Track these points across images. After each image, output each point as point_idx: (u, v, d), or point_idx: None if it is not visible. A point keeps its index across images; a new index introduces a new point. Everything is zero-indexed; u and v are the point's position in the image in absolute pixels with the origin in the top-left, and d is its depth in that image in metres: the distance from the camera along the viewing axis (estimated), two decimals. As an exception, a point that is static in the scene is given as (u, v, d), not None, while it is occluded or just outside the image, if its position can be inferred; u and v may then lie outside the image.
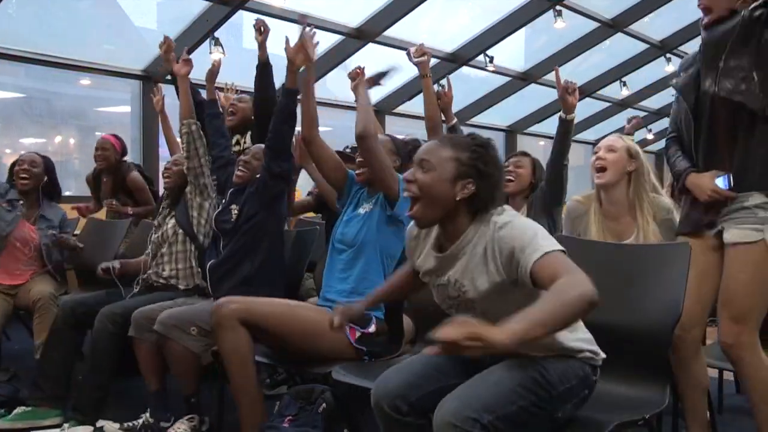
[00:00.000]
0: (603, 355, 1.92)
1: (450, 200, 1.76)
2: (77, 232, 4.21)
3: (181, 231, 3.19)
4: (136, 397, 3.30)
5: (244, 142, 3.95)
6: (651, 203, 2.70)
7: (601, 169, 2.70)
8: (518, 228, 1.71)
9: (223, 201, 3.14)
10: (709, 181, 2.27)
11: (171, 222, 3.24)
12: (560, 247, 1.66)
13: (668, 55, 8.77)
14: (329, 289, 2.66)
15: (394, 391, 1.82)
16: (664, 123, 11.96)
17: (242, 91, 4.25)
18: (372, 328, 2.55)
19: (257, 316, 2.42)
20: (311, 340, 2.47)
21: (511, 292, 1.73)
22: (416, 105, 8.24)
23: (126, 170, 4.47)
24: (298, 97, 2.80)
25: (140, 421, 2.85)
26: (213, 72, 3.58)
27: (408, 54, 3.44)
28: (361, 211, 2.67)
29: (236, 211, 2.98)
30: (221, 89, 4.18)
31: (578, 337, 1.87)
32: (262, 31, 3.63)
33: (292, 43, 2.78)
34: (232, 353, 2.42)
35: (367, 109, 2.62)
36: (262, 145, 3.04)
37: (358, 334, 2.52)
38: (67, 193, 5.76)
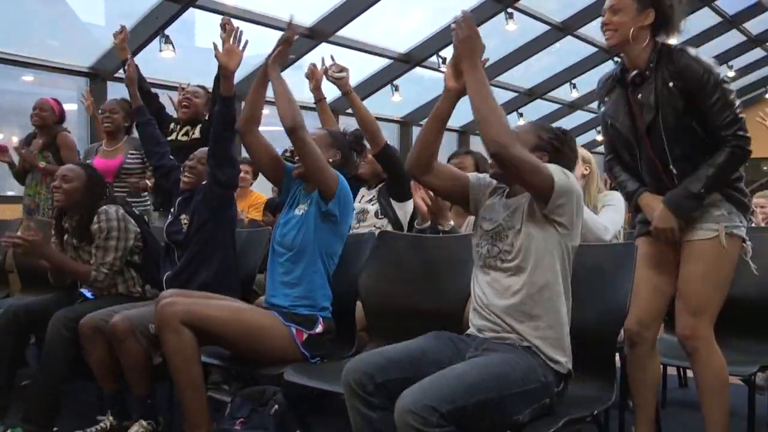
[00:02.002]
0: (570, 366, 1.98)
1: None
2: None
3: None
4: (84, 402, 3.22)
5: (193, 134, 3.91)
6: (594, 202, 3.00)
7: None
8: None
9: (172, 210, 3.06)
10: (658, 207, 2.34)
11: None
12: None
13: (616, 59, 8.98)
14: (273, 294, 2.63)
15: (363, 369, 1.88)
16: (613, 125, 12.24)
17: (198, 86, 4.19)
18: (319, 329, 2.54)
19: (200, 319, 2.38)
20: (257, 344, 2.44)
21: (535, 233, 1.97)
22: (369, 105, 8.25)
23: (59, 131, 4.38)
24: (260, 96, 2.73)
25: (104, 424, 2.77)
26: (130, 77, 3.41)
27: (324, 73, 3.43)
28: (298, 212, 2.63)
29: (186, 221, 2.92)
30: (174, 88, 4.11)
31: (553, 341, 1.95)
32: (227, 29, 3.56)
33: (221, 48, 2.72)
34: (175, 354, 2.37)
35: (289, 96, 2.53)
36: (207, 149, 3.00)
37: (305, 336, 2.50)
38: (9, 193, 5.60)
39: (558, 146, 2.07)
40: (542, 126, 2.13)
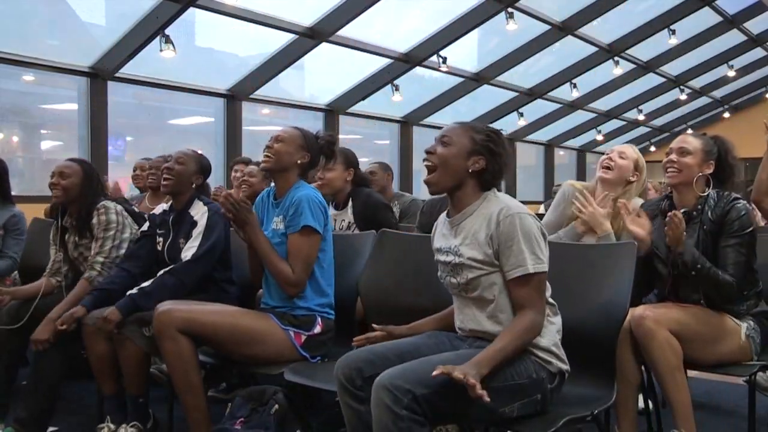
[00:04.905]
0: (564, 366, 1.98)
1: (463, 171, 2.00)
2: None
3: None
4: (84, 403, 3.22)
5: None
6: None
7: (608, 168, 2.95)
8: (522, 229, 1.91)
9: (162, 231, 2.97)
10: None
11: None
12: (544, 268, 1.92)
13: (616, 58, 8.99)
14: (270, 296, 2.64)
15: (353, 364, 1.90)
16: (613, 124, 12.25)
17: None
18: (317, 329, 2.54)
19: (198, 326, 2.39)
20: (256, 347, 2.45)
21: (490, 269, 1.95)
22: (369, 105, 8.26)
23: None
24: None
25: (103, 430, 2.76)
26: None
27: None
28: (274, 226, 2.61)
29: (184, 245, 2.87)
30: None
31: (541, 340, 1.94)
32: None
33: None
34: (174, 361, 2.39)
35: (268, 250, 2.53)
36: (186, 150, 2.97)
37: (303, 338, 2.51)
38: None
39: (493, 148, 2.00)
40: (472, 127, 2.04)
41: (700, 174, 2.56)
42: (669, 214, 2.45)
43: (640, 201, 2.96)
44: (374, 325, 2.17)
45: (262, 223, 2.68)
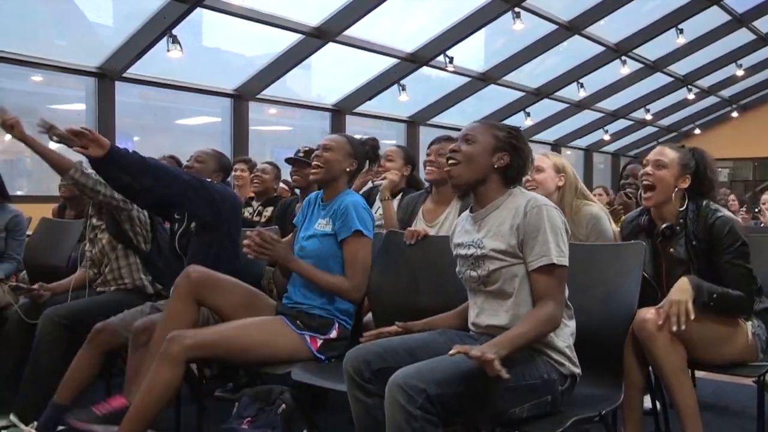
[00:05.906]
0: (576, 369, 1.97)
1: (488, 167, 2.04)
2: (29, 232, 4.09)
3: (120, 245, 3.12)
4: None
5: (266, 214, 4.05)
6: (578, 214, 2.81)
7: (532, 189, 2.83)
8: (550, 221, 1.94)
9: (178, 217, 3.01)
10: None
11: (105, 237, 3.13)
12: (566, 262, 1.94)
13: (623, 58, 8.96)
14: (293, 292, 2.63)
15: (362, 357, 1.91)
16: (621, 124, 12.21)
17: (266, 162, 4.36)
18: (333, 333, 2.53)
19: (210, 348, 2.34)
20: (269, 351, 2.43)
21: (512, 260, 1.97)
22: (376, 105, 8.26)
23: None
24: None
25: None
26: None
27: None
28: (319, 228, 2.61)
29: (194, 231, 2.90)
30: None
31: (555, 341, 1.94)
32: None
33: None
34: (154, 386, 2.28)
35: (314, 272, 2.54)
36: (207, 149, 3.02)
37: (320, 341, 2.50)
38: (18, 193, 5.62)
39: (516, 144, 2.05)
40: (493, 125, 2.09)
41: (677, 188, 2.49)
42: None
43: (594, 207, 2.87)
44: (397, 322, 2.18)
45: (304, 221, 2.70)
